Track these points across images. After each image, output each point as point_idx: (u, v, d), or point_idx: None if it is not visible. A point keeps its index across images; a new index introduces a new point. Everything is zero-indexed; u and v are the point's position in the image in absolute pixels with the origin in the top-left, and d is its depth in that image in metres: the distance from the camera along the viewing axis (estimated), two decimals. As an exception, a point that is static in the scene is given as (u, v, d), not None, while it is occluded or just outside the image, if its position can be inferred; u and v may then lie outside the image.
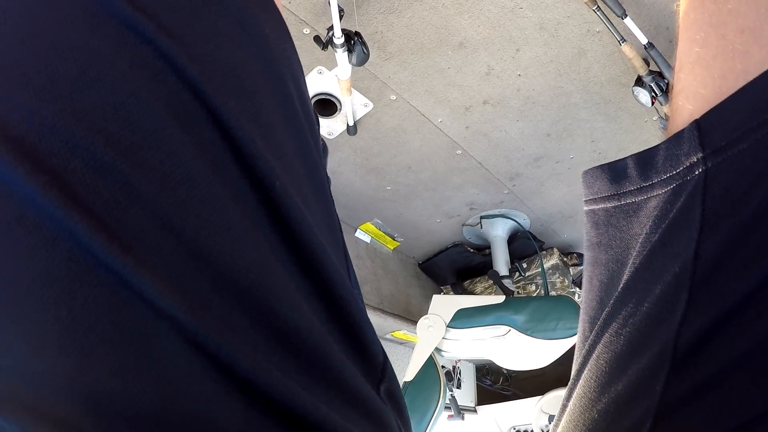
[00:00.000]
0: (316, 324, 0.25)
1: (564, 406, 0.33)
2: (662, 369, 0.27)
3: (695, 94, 0.31)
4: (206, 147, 0.23)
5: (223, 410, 0.20)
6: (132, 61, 0.23)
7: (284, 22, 0.34)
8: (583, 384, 0.32)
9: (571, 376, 0.34)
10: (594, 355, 0.32)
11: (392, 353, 1.82)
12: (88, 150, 0.20)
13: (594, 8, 1.10)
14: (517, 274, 1.85)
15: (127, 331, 0.19)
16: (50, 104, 0.20)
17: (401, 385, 1.41)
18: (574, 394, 0.32)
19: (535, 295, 1.80)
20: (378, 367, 0.30)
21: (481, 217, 1.80)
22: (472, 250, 1.94)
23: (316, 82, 1.32)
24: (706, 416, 0.25)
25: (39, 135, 0.19)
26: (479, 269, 1.95)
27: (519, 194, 1.73)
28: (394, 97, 1.35)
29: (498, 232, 1.83)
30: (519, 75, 1.28)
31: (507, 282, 1.75)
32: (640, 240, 0.32)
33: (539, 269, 1.79)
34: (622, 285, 0.32)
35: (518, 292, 1.83)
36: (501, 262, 1.81)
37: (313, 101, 1.36)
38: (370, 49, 1.18)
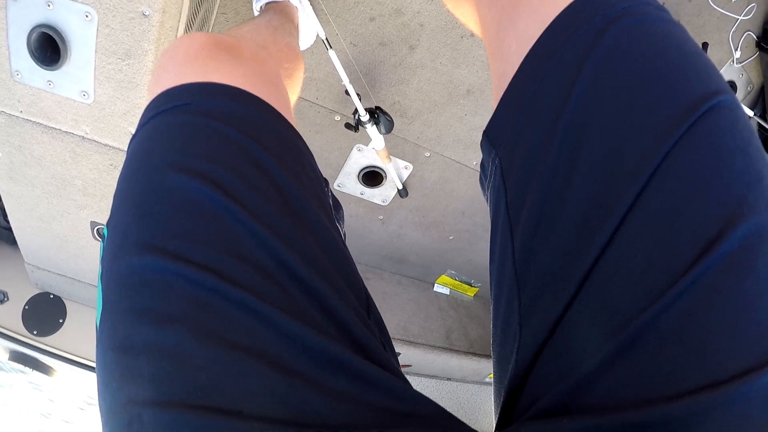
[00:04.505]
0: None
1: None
2: (513, 283, 0.40)
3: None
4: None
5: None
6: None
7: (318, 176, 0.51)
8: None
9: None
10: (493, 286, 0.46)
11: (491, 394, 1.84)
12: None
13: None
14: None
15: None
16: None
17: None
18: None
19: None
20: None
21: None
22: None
23: (359, 158, 1.51)
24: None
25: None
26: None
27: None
28: (428, 154, 1.51)
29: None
30: (530, 103, 1.40)
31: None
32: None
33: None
34: (490, 240, 0.46)
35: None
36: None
37: (361, 175, 1.55)
38: (393, 118, 1.36)
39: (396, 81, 1.35)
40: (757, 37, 1.48)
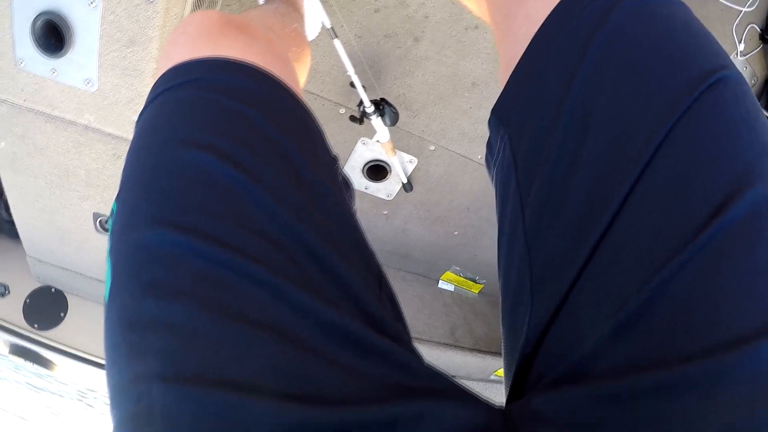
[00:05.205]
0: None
1: None
2: (524, 256, 0.40)
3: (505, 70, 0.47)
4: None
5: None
6: None
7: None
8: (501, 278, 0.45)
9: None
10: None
11: (496, 392, 1.84)
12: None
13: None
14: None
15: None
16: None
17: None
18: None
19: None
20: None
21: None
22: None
23: (363, 152, 1.51)
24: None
25: None
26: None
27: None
28: (433, 148, 1.51)
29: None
30: (536, 96, 1.40)
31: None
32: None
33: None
34: (498, 216, 0.46)
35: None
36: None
37: (365, 169, 1.54)
38: (399, 110, 1.36)
39: (401, 73, 1.34)
40: (761, 30, 1.47)
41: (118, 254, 0.38)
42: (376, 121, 1.31)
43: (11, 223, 1.35)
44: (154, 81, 0.47)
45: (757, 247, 0.30)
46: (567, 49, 0.39)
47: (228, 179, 0.37)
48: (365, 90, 1.29)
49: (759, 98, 1.52)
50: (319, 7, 1.08)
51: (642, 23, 0.38)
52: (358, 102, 1.30)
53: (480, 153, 1.52)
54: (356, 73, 1.22)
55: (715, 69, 0.35)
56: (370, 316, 0.36)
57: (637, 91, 0.35)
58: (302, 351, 0.32)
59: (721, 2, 1.37)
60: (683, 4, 0.40)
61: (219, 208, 0.36)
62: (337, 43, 1.14)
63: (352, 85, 1.28)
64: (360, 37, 1.27)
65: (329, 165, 0.48)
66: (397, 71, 1.34)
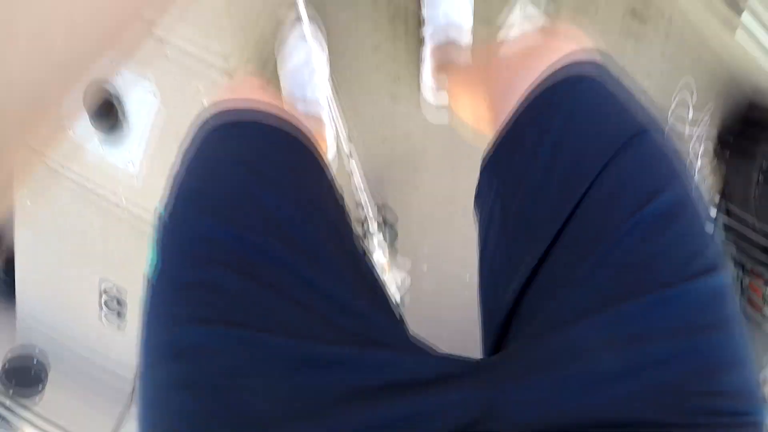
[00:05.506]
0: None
1: None
2: (504, 251, 0.56)
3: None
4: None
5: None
6: None
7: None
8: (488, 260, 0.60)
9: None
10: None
11: None
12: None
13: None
14: None
15: None
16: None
17: None
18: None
19: None
20: None
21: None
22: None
23: (359, 265, 1.58)
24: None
25: None
26: None
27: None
28: (425, 269, 1.59)
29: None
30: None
31: None
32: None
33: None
34: (481, 234, 0.62)
35: None
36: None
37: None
38: (397, 231, 1.46)
39: (400, 197, 1.46)
40: (714, 145, 1.57)
41: (169, 241, 0.49)
42: (378, 237, 1.40)
43: (7, 283, 1.37)
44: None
45: (670, 229, 0.44)
46: (541, 117, 0.53)
47: (261, 193, 0.50)
48: (369, 210, 1.40)
49: (718, 210, 1.57)
50: (340, 125, 1.21)
51: (592, 97, 0.53)
52: (360, 221, 1.40)
53: (468, 273, 1.60)
54: (362, 192, 1.33)
55: (643, 125, 0.49)
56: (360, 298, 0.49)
57: (590, 138, 0.50)
58: (309, 313, 0.43)
59: (677, 126, 1.52)
60: (624, 84, 0.55)
61: (254, 211, 0.48)
62: (353, 163, 1.26)
63: (358, 204, 1.39)
64: (367, 161, 1.40)
65: (337, 200, 0.61)
66: (397, 195, 1.46)
